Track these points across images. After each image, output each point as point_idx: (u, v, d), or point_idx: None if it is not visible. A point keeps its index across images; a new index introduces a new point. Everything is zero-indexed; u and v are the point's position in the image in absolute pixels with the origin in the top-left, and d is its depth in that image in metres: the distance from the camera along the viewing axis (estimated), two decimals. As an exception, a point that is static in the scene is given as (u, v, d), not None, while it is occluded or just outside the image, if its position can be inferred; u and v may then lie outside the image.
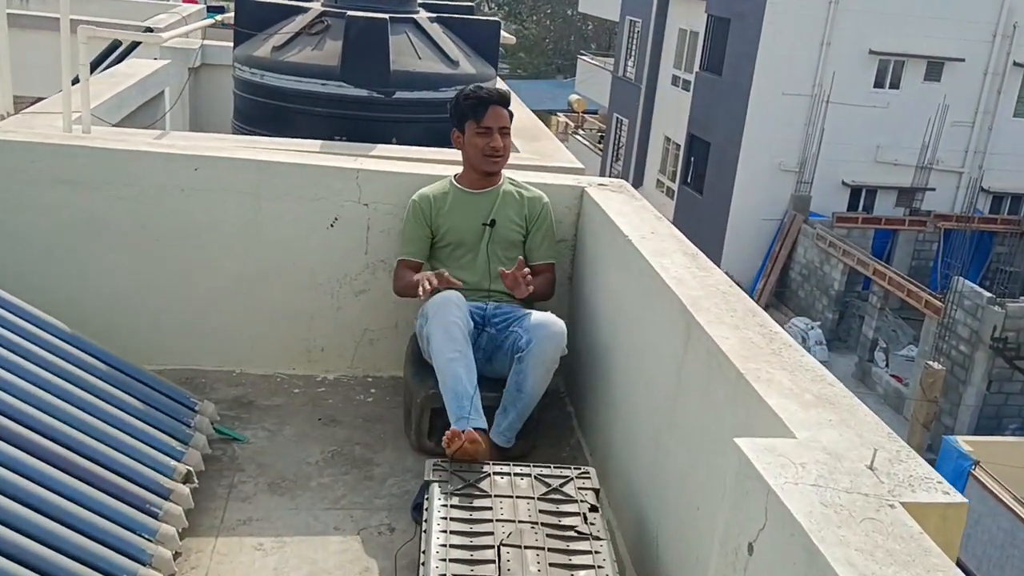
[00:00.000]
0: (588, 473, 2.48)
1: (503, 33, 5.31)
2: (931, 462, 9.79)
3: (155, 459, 2.61)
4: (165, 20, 11.06)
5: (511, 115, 3.31)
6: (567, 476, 2.46)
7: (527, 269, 3.06)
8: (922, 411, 15.07)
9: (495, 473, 2.47)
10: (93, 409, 2.61)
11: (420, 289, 2.98)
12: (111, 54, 6.23)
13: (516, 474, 2.46)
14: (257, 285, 3.42)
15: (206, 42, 7.56)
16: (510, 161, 3.40)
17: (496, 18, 5.36)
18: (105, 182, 3.22)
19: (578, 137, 31.38)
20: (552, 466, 2.52)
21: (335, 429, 3.24)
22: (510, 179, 3.38)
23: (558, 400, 3.53)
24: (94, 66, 6.35)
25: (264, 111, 4.82)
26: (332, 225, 3.39)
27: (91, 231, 3.26)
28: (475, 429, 2.63)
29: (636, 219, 3.06)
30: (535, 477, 2.45)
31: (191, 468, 2.67)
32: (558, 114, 35.66)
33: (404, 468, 3.03)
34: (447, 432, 2.57)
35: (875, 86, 20.24)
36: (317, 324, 3.50)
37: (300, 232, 3.38)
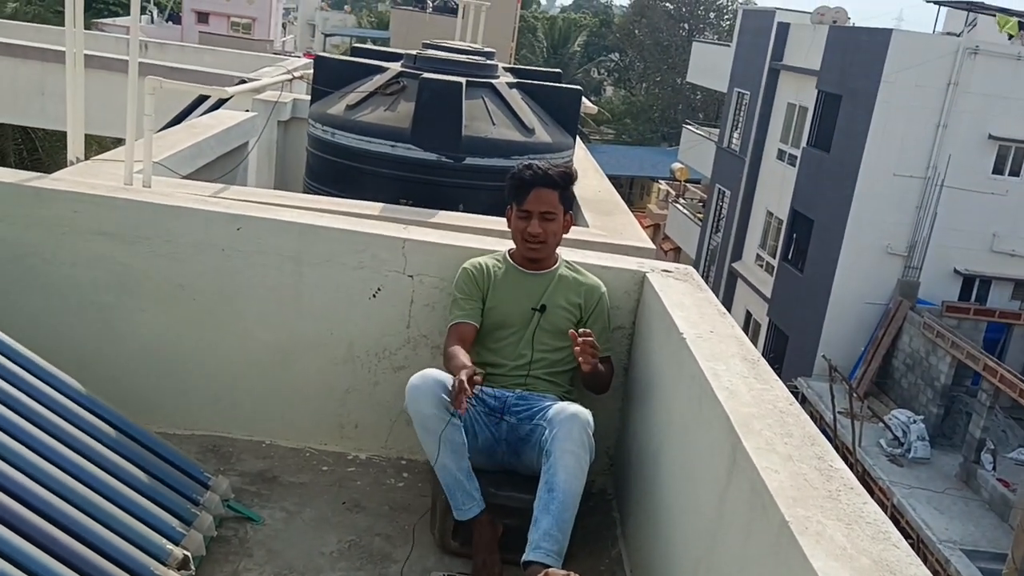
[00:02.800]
0: (612, 606, 2.17)
1: (584, 101, 5.11)
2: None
3: (150, 541, 2.41)
4: (270, 73, 11.35)
5: (566, 195, 3.03)
6: (588, 607, 2.16)
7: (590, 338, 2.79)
8: (1031, 522, 13.94)
9: (506, 596, 2.18)
10: (91, 480, 2.44)
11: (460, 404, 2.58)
12: (200, 104, 6.30)
13: (530, 599, 2.17)
14: (292, 353, 3.25)
15: (299, 96, 7.63)
16: (575, 236, 3.17)
17: (578, 87, 5.18)
18: (144, 237, 3.12)
19: (678, 206, 31.01)
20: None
21: (358, 516, 3.01)
22: (567, 262, 3.13)
23: (604, 503, 3.22)
24: (183, 116, 6.45)
25: (334, 170, 4.73)
26: (374, 296, 3.20)
27: (127, 287, 3.15)
28: (474, 519, 2.63)
29: (696, 314, 2.77)
30: (550, 605, 2.16)
31: (189, 553, 2.47)
32: (660, 181, 35.43)
33: (423, 569, 2.76)
34: None
35: (994, 172, 19.30)
36: (352, 399, 3.29)
37: (340, 301, 3.21)
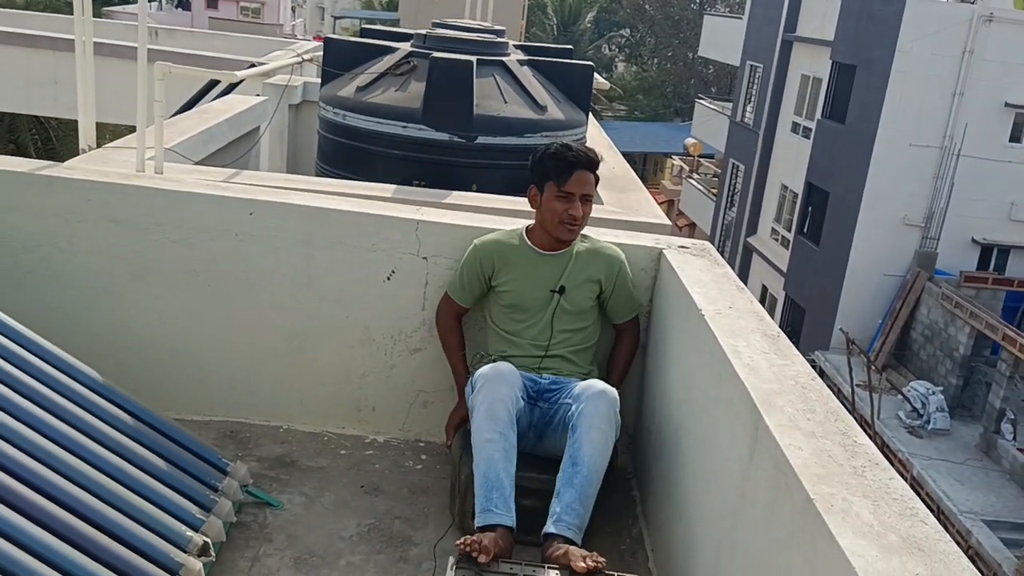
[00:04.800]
0: (634, 585, 2.16)
1: (597, 77, 5.05)
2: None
3: (170, 528, 2.41)
4: (280, 57, 11.31)
5: (597, 179, 3.02)
6: (610, 586, 2.15)
7: None
8: (1053, 492, 13.88)
9: (527, 577, 2.17)
10: (110, 469, 2.44)
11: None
12: (211, 89, 6.28)
13: (552, 580, 2.16)
14: (308, 338, 3.24)
15: (309, 79, 7.60)
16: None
17: (591, 62, 5.12)
18: (157, 224, 3.10)
19: (692, 181, 30.83)
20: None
21: (377, 499, 3.00)
22: (583, 235, 3.07)
23: (624, 481, 3.20)
24: (194, 102, 6.43)
25: (345, 152, 4.70)
26: (388, 278, 3.18)
27: (140, 274, 3.14)
28: (500, 526, 2.35)
29: (715, 290, 2.73)
30: (572, 585, 2.15)
31: (209, 540, 2.47)
32: (673, 157, 35.19)
33: (443, 550, 2.75)
34: (462, 540, 2.32)
35: (1010, 140, 19.05)
36: (369, 382, 3.28)
37: (355, 284, 3.19)
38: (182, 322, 3.20)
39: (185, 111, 5.95)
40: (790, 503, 1.69)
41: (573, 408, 2.64)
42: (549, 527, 2.50)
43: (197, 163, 4.70)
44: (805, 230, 21.72)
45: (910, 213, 19.30)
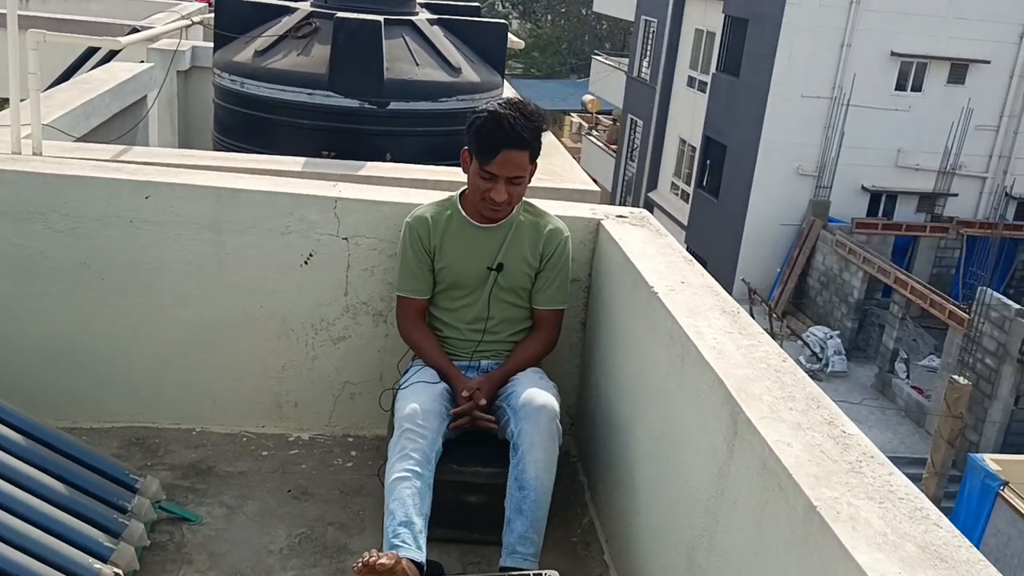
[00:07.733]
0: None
1: (511, 36, 4.81)
2: (956, 480, 9.38)
3: (74, 561, 2.13)
4: (163, 20, 10.61)
5: (535, 153, 2.61)
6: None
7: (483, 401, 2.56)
8: (946, 427, 14.47)
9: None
10: None
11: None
12: (89, 57, 5.77)
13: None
14: (219, 331, 2.94)
15: (198, 43, 7.11)
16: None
17: (503, 20, 4.87)
18: (39, 212, 2.75)
19: (591, 138, 30.86)
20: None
21: (306, 504, 2.76)
22: (527, 205, 2.76)
23: (568, 466, 3.03)
24: (71, 72, 5.91)
25: (245, 123, 4.35)
26: (306, 262, 2.91)
27: (24, 269, 2.79)
28: (410, 560, 2.15)
29: (662, 263, 2.56)
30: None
31: (120, 570, 2.19)
32: (572, 114, 35.12)
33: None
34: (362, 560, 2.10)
35: (897, 89, 19.66)
36: (289, 376, 3.02)
37: (268, 271, 2.90)
38: (74, 321, 2.86)
39: (62, 82, 5.45)
40: (786, 508, 1.54)
41: (513, 426, 2.46)
42: (505, 560, 2.35)
43: (79, 139, 4.27)
44: (704, 184, 22.03)
45: (804, 163, 19.76)
